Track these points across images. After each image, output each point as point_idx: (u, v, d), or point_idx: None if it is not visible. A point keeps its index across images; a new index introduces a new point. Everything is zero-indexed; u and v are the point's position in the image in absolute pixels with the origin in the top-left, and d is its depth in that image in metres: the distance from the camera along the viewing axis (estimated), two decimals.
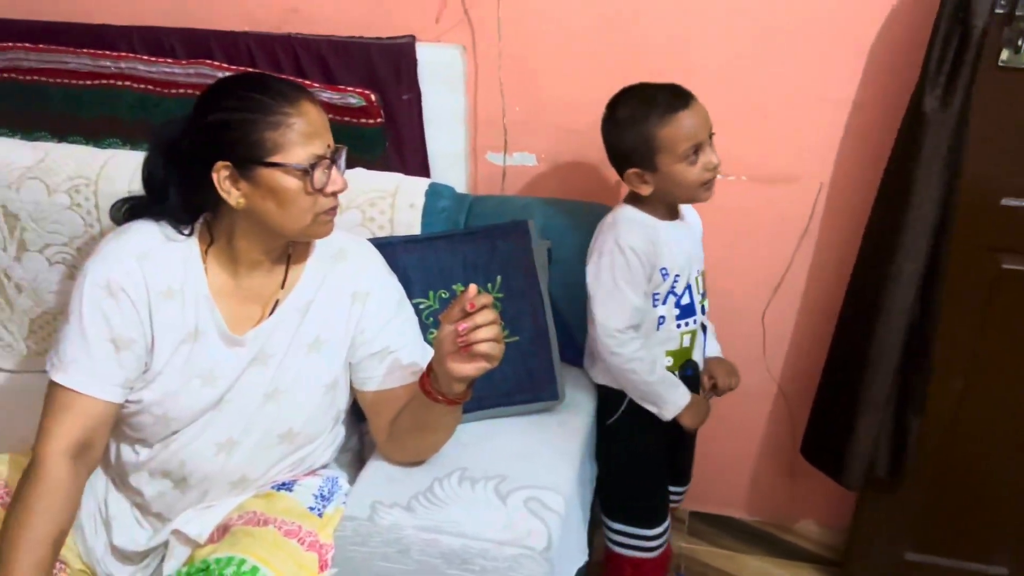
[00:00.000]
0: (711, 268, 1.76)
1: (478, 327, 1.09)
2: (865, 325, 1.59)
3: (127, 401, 1.24)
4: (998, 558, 1.82)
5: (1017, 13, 1.37)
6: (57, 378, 1.19)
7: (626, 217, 1.47)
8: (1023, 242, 1.55)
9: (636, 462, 1.59)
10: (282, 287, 1.29)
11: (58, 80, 1.83)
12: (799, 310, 1.83)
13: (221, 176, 1.16)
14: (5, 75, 1.86)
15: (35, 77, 1.84)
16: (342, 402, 1.36)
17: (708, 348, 1.65)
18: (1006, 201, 1.52)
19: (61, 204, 1.65)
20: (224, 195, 1.17)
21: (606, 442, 1.58)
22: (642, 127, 1.38)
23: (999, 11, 1.37)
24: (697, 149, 1.38)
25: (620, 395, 1.54)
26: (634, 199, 1.49)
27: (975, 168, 1.48)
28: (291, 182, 1.16)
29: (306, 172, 1.16)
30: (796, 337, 1.86)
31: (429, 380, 1.20)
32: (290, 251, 1.30)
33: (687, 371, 1.56)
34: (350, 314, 1.31)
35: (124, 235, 1.25)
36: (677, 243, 1.48)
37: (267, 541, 1.18)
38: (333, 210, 1.23)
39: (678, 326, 1.52)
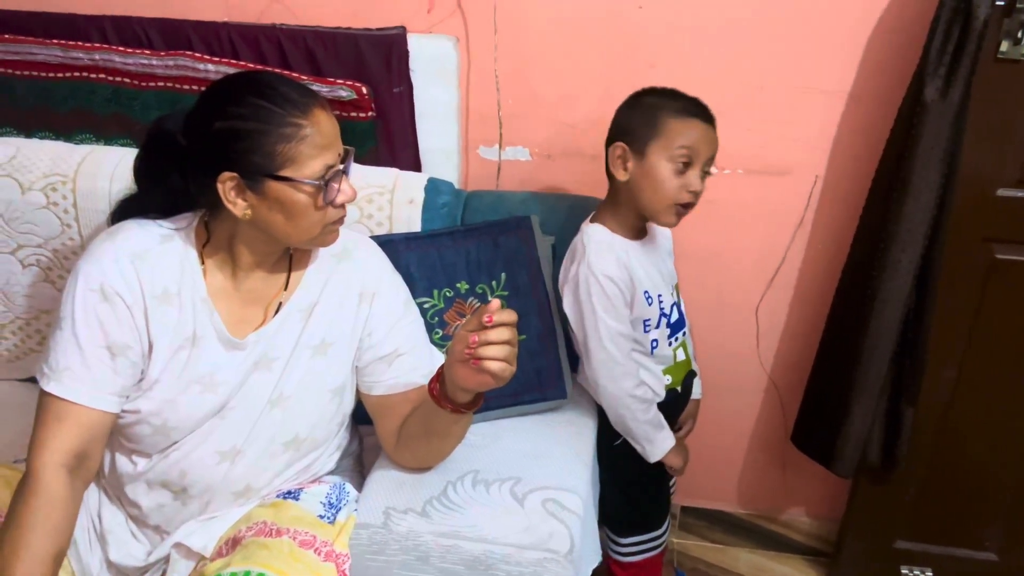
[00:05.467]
0: (705, 261, 1.77)
1: (489, 343, 1.04)
2: (860, 314, 1.59)
3: (124, 411, 1.17)
4: (987, 544, 1.84)
5: (1017, 5, 1.38)
6: (50, 388, 1.12)
7: (596, 240, 1.40)
8: (1017, 232, 1.56)
9: (645, 478, 1.55)
10: (284, 289, 1.24)
11: (25, 72, 1.73)
12: (792, 302, 1.82)
13: (227, 187, 1.09)
14: None
15: (0, 69, 1.74)
16: (348, 407, 1.32)
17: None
18: (1001, 192, 1.54)
19: (35, 203, 1.56)
20: (229, 206, 1.10)
21: (611, 462, 1.52)
22: (656, 110, 1.35)
23: (999, 3, 1.38)
24: (689, 163, 1.33)
25: None
26: (602, 215, 1.43)
27: (971, 159, 1.48)
28: (302, 196, 1.10)
29: (319, 187, 1.10)
30: (789, 329, 1.85)
31: (438, 385, 1.16)
32: (292, 252, 1.24)
33: (688, 380, 1.55)
34: (357, 315, 1.26)
35: (118, 235, 1.18)
36: (651, 263, 1.44)
37: (283, 553, 1.13)
38: (341, 220, 1.18)
39: (669, 343, 1.50)
